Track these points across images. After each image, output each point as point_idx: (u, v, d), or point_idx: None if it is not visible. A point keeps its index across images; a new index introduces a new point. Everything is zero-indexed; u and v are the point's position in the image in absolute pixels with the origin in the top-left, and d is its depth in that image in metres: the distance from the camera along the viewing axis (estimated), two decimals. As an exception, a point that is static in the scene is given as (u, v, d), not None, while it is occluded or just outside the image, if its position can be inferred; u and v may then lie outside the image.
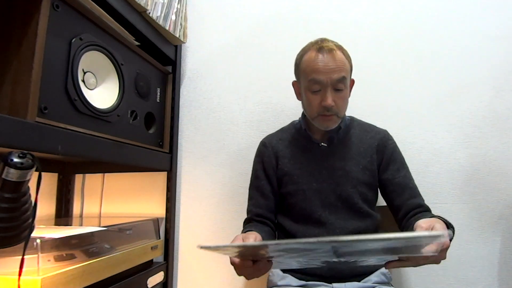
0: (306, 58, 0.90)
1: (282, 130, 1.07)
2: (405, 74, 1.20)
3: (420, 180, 1.14)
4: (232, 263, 0.64)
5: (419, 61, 1.19)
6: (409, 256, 0.55)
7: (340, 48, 0.90)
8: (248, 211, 0.99)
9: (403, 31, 1.21)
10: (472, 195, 1.12)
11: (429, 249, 0.53)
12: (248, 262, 0.61)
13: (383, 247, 0.50)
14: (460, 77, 1.16)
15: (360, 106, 1.18)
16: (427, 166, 1.15)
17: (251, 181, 1.03)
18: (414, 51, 1.20)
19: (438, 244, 0.55)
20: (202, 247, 0.51)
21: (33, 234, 0.59)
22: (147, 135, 1.09)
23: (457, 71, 1.17)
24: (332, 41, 0.91)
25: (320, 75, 0.86)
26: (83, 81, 0.81)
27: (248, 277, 0.65)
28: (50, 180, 1.26)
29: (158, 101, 1.17)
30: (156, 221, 1.14)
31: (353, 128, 0.99)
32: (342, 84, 0.87)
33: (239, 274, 0.65)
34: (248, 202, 1.01)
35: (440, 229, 0.59)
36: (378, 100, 1.20)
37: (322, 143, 0.96)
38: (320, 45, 0.88)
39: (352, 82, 0.97)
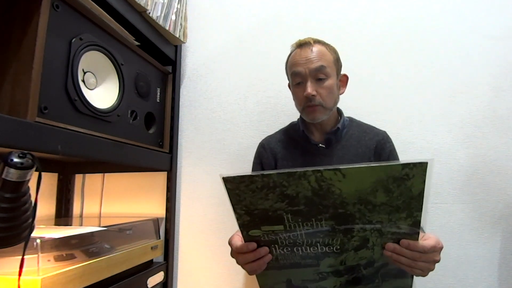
0: (289, 57, 0.96)
1: (280, 131, 1.07)
2: (405, 74, 1.20)
3: (420, 180, 1.14)
4: (235, 248, 0.65)
5: (419, 61, 1.19)
6: (409, 242, 0.57)
7: (321, 43, 0.93)
8: None
9: (403, 31, 1.21)
10: (472, 195, 1.12)
11: (427, 243, 0.58)
12: (252, 244, 0.61)
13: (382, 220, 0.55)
14: (460, 77, 1.16)
15: (360, 106, 1.18)
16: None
17: None
18: (414, 51, 1.20)
19: (436, 241, 0.59)
20: (224, 178, 0.53)
21: (33, 234, 0.59)
22: (147, 135, 1.09)
23: (457, 71, 1.17)
24: (314, 38, 0.94)
25: (299, 66, 0.90)
26: (83, 81, 0.81)
27: (248, 268, 0.64)
28: (50, 180, 1.26)
29: (158, 101, 1.17)
30: (156, 221, 1.14)
31: (352, 129, 0.99)
32: (322, 73, 0.89)
33: (239, 262, 0.65)
34: None
35: (433, 241, 0.60)
36: (378, 100, 1.20)
37: (320, 144, 0.96)
38: (299, 42, 0.93)
39: (345, 77, 0.98)
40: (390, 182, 0.51)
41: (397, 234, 0.56)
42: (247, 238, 0.61)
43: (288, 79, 0.99)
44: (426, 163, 0.49)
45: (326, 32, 1.25)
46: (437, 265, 0.61)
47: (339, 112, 1.02)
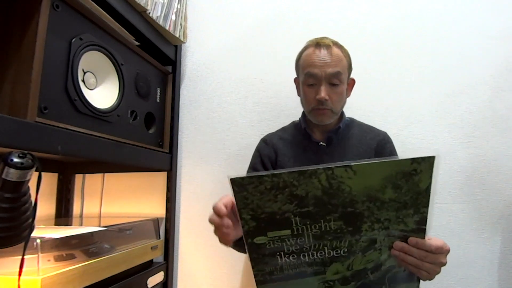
0: (304, 54, 0.93)
1: (282, 129, 1.07)
2: (405, 74, 1.20)
3: (420, 180, 1.14)
4: (211, 221, 0.66)
5: (419, 61, 1.19)
6: (417, 240, 0.56)
7: (338, 45, 0.92)
8: None
9: (403, 31, 1.21)
10: (472, 195, 1.12)
11: (435, 242, 0.57)
12: (222, 210, 0.64)
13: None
14: (460, 77, 1.16)
15: (361, 106, 1.18)
16: (427, 166, 1.15)
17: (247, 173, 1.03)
18: (414, 51, 1.20)
19: (443, 243, 0.58)
20: (232, 179, 0.53)
21: (33, 234, 0.59)
22: (147, 135, 1.09)
23: (457, 71, 1.17)
24: (332, 39, 0.93)
25: (315, 68, 0.88)
26: (83, 81, 0.81)
27: (221, 237, 0.65)
28: (50, 180, 1.26)
29: (158, 101, 1.17)
30: (156, 221, 1.14)
31: (353, 129, 1.00)
32: (337, 79, 0.88)
33: (216, 233, 0.66)
34: None
35: (440, 242, 0.59)
36: (378, 100, 1.20)
37: (321, 143, 0.97)
38: (317, 41, 0.91)
39: (353, 81, 0.98)
40: (399, 178, 0.52)
41: (404, 231, 0.57)
42: (252, 246, 0.60)
43: (298, 75, 0.98)
44: (434, 157, 0.50)
45: (326, 32, 1.25)
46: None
47: (341, 112, 1.02)
